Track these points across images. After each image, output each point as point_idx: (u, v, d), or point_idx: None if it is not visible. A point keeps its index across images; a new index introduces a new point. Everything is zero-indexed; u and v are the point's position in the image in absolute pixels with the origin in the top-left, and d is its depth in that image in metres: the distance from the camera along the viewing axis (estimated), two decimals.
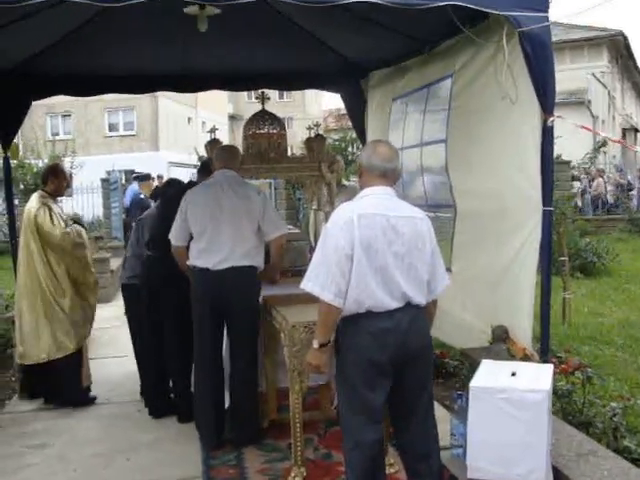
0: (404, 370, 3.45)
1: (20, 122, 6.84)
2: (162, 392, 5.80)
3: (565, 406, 4.47)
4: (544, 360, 4.17)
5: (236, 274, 4.89)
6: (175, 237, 5.11)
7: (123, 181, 21.61)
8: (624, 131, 40.37)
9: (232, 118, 45.98)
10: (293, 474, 4.39)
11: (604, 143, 21.78)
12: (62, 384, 6.08)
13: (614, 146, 30.94)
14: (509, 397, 3.19)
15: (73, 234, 5.92)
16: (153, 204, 6.69)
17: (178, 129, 35.44)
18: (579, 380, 4.55)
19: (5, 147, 6.83)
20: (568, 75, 26.78)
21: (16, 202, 21.25)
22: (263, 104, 6.35)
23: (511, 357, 4.39)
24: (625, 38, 35.95)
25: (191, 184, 5.70)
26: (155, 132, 34.63)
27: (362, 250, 3.30)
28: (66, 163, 19.40)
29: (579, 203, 20.47)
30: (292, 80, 7.51)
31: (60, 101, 31.31)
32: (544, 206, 4.17)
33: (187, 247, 5.07)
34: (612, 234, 18.12)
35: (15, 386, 6.53)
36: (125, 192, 15.82)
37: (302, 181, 6.44)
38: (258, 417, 5.14)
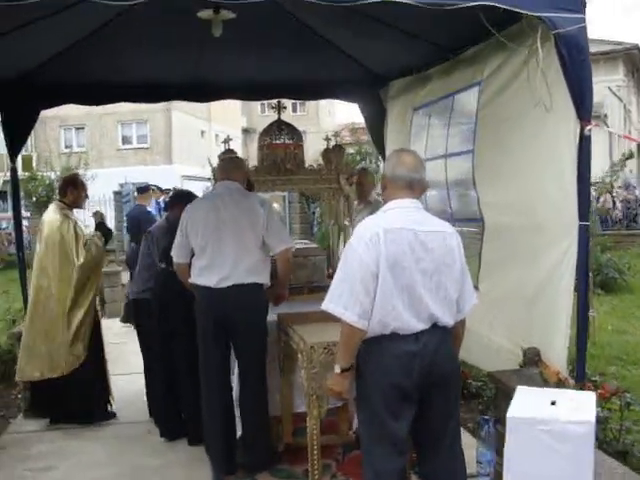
0: (430, 396, 3.24)
1: (28, 132, 6.67)
2: (172, 412, 5.57)
3: (600, 434, 4.19)
4: (580, 386, 3.89)
5: (240, 292, 4.63)
6: (176, 254, 4.89)
7: (136, 194, 21.47)
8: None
9: (245, 131, 45.96)
10: None
11: (630, 155, 21.42)
12: (77, 401, 5.88)
13: (631, 161, 30.60)
14: (550, 429, 2.91)
15: (91, 255, 5.80)
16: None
17: (191, 142, 35.36)
18: (616, 406, 4.27)
19: (13, 158, 6.63)
20: None
21: (28, 214, 21.36)
22: (279, 113, 6.14)
23: (544, 381, 4.11)
24: None
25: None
26: (168, 145, 34.61)
27: (388, 268, 3.10)
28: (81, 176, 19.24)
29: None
30: (309, 90, 7.27)
31: (74, 114, 31.91)
32: (580, 220, 3.89)
33: (190, 264, 4.84)
34: (632, 249, 17.80)
35: (21, 404, 6.30)
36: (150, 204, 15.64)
37: (319, 194, 6.20)
38: (270, 441, 4.89)
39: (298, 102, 47.16)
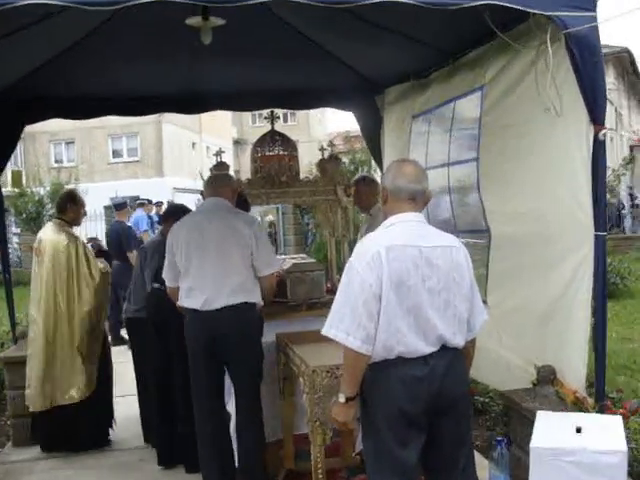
0: (440, 421, 3.03)
1: (13, 148, 6.45)
2: (168, 438, 5.30)
3: None
4: (600, 406, 3.67)
5: (230, 314, 4.38)
6: (167, 277, 4.65)
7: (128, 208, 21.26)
8: (632, 148, 39.97)
9: (237, 143, 45.73)
10: None
11: (631, 159, 21.23)
12: (84, 425, 5.66)
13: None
14: (579, 460, 2.69)
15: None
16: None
17: (183, 154, 35.14)
18: (636, 424, 4.03)
19: None
20: None
21: (18, 230, 21.10)
22: (272, 124, 5.92)
23: (560, 401, 3.89)
24: (630, 55, 35.68)
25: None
26: (159, 158, 34.38)
27: (392, 288, 2.88)
28: None
29: None
30: (302, 99, 7.02)
31: (63, 128, 31.71)
32: (596, 230, 3.67)
33: None
34: (629, 253, 17.61)
35: (10, 431, 6.07)
36: (129, 219, 15.44)
37: (316, 206, 5.97)
38: (263, 470, 4.62)
39: (289, 112, 47.08)
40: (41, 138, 34.10)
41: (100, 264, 5.73)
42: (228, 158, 5.84)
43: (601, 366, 3.76)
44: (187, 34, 4.84)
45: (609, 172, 18.96)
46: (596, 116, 3.63)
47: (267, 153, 5.80)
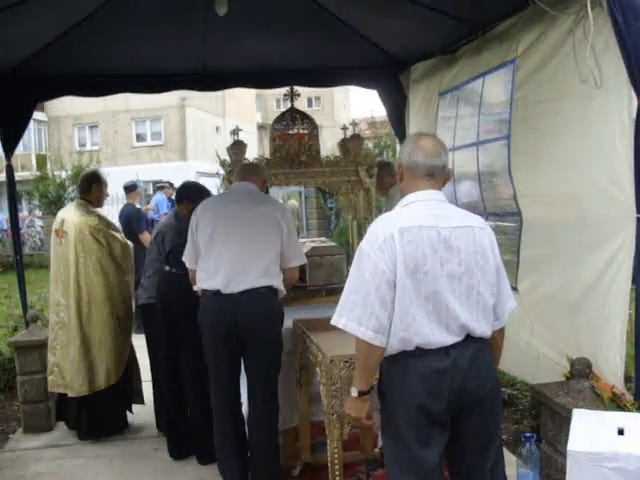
0: (465, 419, 2.79)
1: (24, 126, 6.25)
2: (181, 428, 5.12)
3: None
4: None
5: (253, 298, 4.15)
6: (188, 258, 4.42)
7: (151, 191, 21.14)
8: None
9: (261, 128, 45.49)
10: None
11: None
12: (111, 408, 5.62)
13: None
14: (622, 467, 2.41)
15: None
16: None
17: (206, 138, 35.00)
18: None
19: (9, 154, 6.20)
20: None
21: (40, 213, 21.09)
22: (292, 101, 5.66)
23: (595, 397, 3.61)
24: None
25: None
26: (183, 142, 34.33)
27: (407, 274, 2.66)
28: None
29: None
30: (323, 76, 6.75)
31: (87, 112, 31.81)
32: (638, 212, 3.36)
33: None
34: None
35: (21, 417, 5.93)
36: (147, 201, 15.33)
37: (337, 187, 5.71)
38: (278, 462, 4.42)
39: (313, 97, 46.78)
40: (65, 122, 34.38)
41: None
42: (252, 143, 5.61)
43: None
44: (202, 6, 4.68)
45: None
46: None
47: (286, 132, 5.54)
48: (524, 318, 4.27)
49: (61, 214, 5.70)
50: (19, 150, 33.18)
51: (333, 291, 5.26)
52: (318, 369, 3.88)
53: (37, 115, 33.59)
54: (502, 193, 4.76)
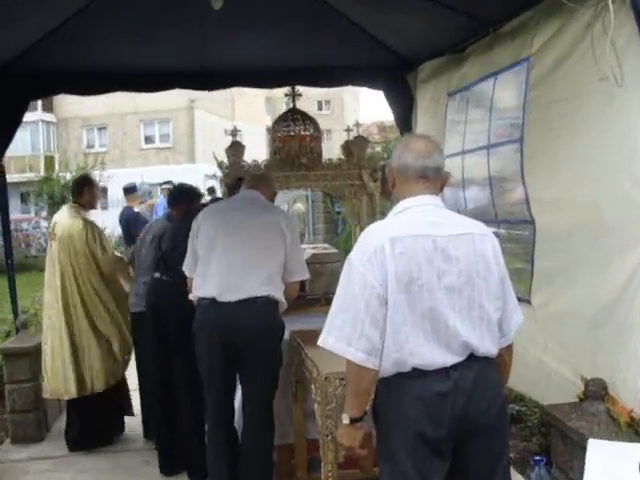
0: (468, 446, 2.51)
1: (16, 125, 5.98)
2: (171, 442, 4.86)
3: None
4: None
5: (250, 307, 3.88)
6: (188, 267, 4.16)
7: (159, 193, 20.99)
8: None
9: (270, 130, 45.37)
10: None
11: None
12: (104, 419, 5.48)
13: None
14: None
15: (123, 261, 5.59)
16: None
17: (215, 141, 34.79)
18: None
19: (0, 155, 5.98)
20: None
21: (45, 214, 20.96)
22: (294, 101, 5.45)
23: (611, 420, 3.34)
24: None
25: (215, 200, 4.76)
26: (191, 144, 34.17)
27: (400, 288, 2.41)
28: (95, 176, 18.94)
29: None
30: (327, 75, 6.45)
31: (96, 114, 31.68)
32: None
33: None
34: None
35: (9, 427, 5.71)
36: (150, 204, 15.15)
37: (340, 192, 5.47)
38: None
39: (323, 100, 46.58)
40: (74, 123, 34.37)
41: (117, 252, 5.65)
42: (261, 145, 5.39)
43: None
44: (198, 1, 4.50)
45: None
46: None
47: (287, 133, 5.30)
48: (536, 333, 4.00)
49: (55, 217, 5.70)
50: (27, 151, 33.33)
51: (332, 300, 5.01)
52: (312, 386, 3.64)
53: (46, 116, 33.60)
54: (514, 199, 4.49)
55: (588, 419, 3.39)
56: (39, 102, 32.41)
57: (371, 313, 2.40)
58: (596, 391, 3.44)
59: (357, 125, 5.68)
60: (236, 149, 5.33)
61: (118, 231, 16.17)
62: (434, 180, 2.62)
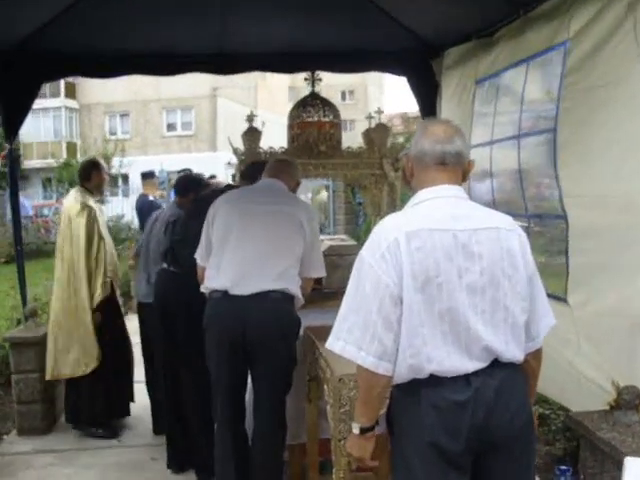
0: (489, 462, 2.30)
1: (28, 108, 5.81)
2: (179, 438, 4.70)
3: None
4: None
5: (264, 301, 3.67)
6: (200, 255, 3.96)
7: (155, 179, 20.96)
8: None
9: None
10: None
11: None
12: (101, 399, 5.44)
13: None
14: None
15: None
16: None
17: (237, 129, 34.54)
18: None
19: (11, 137, 5.83)
20: None
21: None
22: (313, 86, 5.26)
23: None
24: None
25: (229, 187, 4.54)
26: (213, 132, 34.06)
27: (416, 287, 2.21)
28: (115, 162, 18.89)
29: None
30: (348, 60, 6.17)
31: (118, 100, 31.68)
32: None
33: None
34: None
35: (15, 418, 5.58)
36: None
37: (360, 181, 5.25)
38: None
39: (347, 90, 46.30)
40: (96, 110, 34.46)
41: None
42: (284, 134, 5.21)
43: None
44: None
45: None
46: None
47: (305, 119, 5.10)
48: (570, 334, 3.74)
49: (64, 201, 5.73)
50: (50, 137, 33.40)
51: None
52: (325, 387, 3.43)
53: (68, 102, 33.69)
54: (546, 192, 4.21)
55: (621, 430, 3.15)
56: (62, 88, 32.54)
57: (384, 314, 2.21)
58: (629, 400, 3.21)
59: (379, 112, 5.44)
60: (252, 135, 5.15)
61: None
62: (455, 167, 2.39)
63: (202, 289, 3.90)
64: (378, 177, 5.17)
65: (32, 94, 5.82)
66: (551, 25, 4.02)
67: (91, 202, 5.38)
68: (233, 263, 3.73)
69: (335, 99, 6.32)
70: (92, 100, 33.37)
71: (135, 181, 18.87)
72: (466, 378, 2.23)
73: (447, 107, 5.76)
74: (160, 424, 5.20)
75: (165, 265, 4.52)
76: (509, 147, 4.55)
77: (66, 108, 33.87)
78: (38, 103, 5.88)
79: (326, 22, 5.41)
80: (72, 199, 5.41)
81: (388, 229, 2.29)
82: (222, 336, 3.73)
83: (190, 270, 4.06)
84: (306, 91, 5.51)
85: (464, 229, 2.26)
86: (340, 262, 4.96)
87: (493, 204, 4.56)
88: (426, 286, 2.19)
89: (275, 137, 5.95)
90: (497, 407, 2.23)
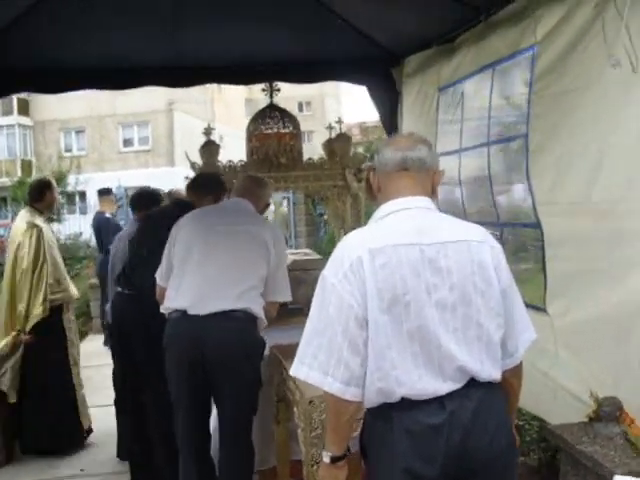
0: None
1: None
2: (144, 466, 4.46)
3: None
4: None
5: (224, 321, 3.53)
6: (160, 275, 3.81)
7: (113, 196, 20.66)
8: None
9: None
10: None
11: None
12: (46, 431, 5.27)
13: None
14: None
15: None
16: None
17: (194, 143, 34.29)
18: None
19: None
20: None
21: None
22: (272, 97, 5.09)
23: (629, 445, 3.01)
24: None
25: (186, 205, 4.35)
26: (171, 147, 33.81)
27: (382, 308, 2.10)
28: (71, 180, 18.60)
29: None
30: (307, 70, 6.00)
31: (73, 116, 31.22)
32: None
33: None
34: None
35: None
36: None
37: (322, 193, 5.13)
38: None
39: (304, 102, 46.26)
40: (51, 126, 33.92)
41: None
42: (242, 148, 5.06)
43: None
44: None
45: None
46: None
47: (264, 131, 4.96)
48: (548, 344, 3.62)
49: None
50: (4, 155, 32.74)
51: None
52: (295, 409, 3.28)
53: (22, 120, 33.12)
54: (517, 200, 4.11)
55: (603, 443, 3.03)
56: (14, 105, 31.97)
57: (350, 337, 2.09)
58: (611, 412, 3.10)
59: (339, 122, 5.33)
60: (210, 148, 5.00)
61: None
62: (419, 175, 2.28)
63: (162, 310, 3.75)
64: (340, 188, 5.08)
65: None
66: (516, 29, 3.91)
67: (39, 221, 5.24)
68: (193, 283, 3.60)
69: (292, 111, 6.25)
70: (46, 117, 32.89)
71: (92, 198, 18.58)
72: (440, 401, 2.11)
73: (409, 116, 5.66)
74: (125, 449, 4.98)
75: (119, 288, 4.34)
76: (478, 155, 4.43)
77: (19, 125, 33.31)
78: None
79: (283, 31, 5.27)
80: (19, 219, 5.35)
81: (351, 246, 2.17)
82: (181, 356, 3.59)
83: (144, 291, 3.94)
84: (264, 103, 5.38)
85: (431, 243, 2.14)
86: (304, 277, 4.85)
87: (463, 214, 4.44)
88: (393, 306, 2.08)
89: (233, 150, 5.81)
90: (474, 429, 2.11)
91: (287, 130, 4.99)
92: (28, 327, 5.08)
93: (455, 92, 4.83)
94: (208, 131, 5.06)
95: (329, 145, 5.10)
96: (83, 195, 25.25)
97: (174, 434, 3.84)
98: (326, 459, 2.25)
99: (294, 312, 4.74)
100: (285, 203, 15.72)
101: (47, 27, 4.80)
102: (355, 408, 2.17)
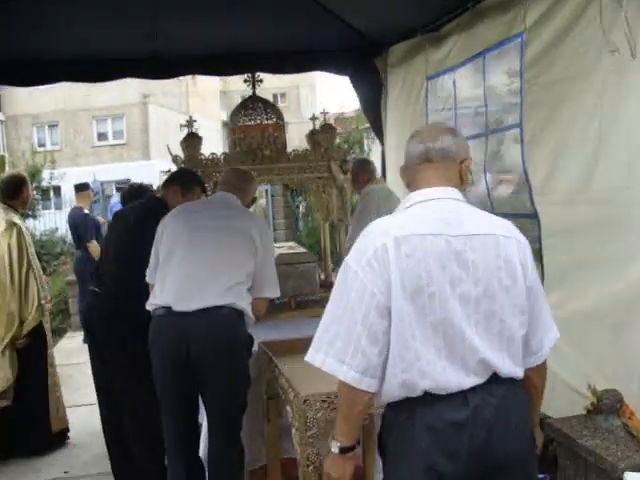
0: None
1: None
2: (126, 468, 4.35)
3: None
4: None
5: (210, 318, 3.43)
6: (150, 272, 3.73)
7: (113, 191, 20.36)
8: None
9: (226, 125, 44.65)
10: None
11: None
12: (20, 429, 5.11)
13: None
14: None
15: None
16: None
17: (170, 137, 34.09)
18: None
19: None
20: None
21: None
22: (254, 87, 5.01)
23: (630, 438, 2.96)
24: None
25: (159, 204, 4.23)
26: (146, 140, 33.49)
27: (406, 297, 2.03)
28: (46, 175, 18.34)
29: None
30: (288, 61, 6.01)
31: (46, 111, 30.80)
32: None
33: None
34: None
35: None
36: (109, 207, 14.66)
37: (307, 185, 5.04)
38: None
39: (279, 93, 46.05)
40: (23, 121, 33.38)
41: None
42: (217, 140, 4.97)
43: None
44: None
45: None
46: None
47: (247, 122, 4.86)
48: None
49: None
50: None
51: (303, 303, 4.74)
52: (289, 408, 3.19)
53: None
54: (514, 190, 4.06)
55: (604, 436, 2.99)
56: None
57: (369, 326, 2.03)
58: (610, 404, 3.06)
59: (324, 113, 5.25)
60: (192, 141, 4.90)
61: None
62: (444, 165, 2.23)
63: (147, 306, 3.66)
64: (326, 180, 4.98)
65: None
66: (505, 17, 3.86)
67: (16, 219, 5.09)
68: (177, 279, 3.51)
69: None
70: (18, 111, 32.42)
71: (68, 193, 18.32)
72: (464, 395, 2.06)
73: (395, 106, 5.59)
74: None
75: (92, 286, 4.25)
76: (476, 145, 4.34)
77: None
78: None
79: (264, 21, 5.20)
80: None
81: (375, 234, 2.10)
82: (166, 353, 3.50)
83: (109, 289, 3.93)
84: (239, 95, 5.29)
85: (458, 234, 2.09)
86: (291, 271, 4.76)
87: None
88: (417, 296, 2.02)
89: (208, 143, 5.68)
90: (497, 426, 2.06)
91: (270, 121, 4.88)
92: (23, 333, 4.97)
93: (445, 81, 4.76)
94: (190, 123, 4.94)
95: (313, 137, 5.01)
96: (58, 190, 24.97)
97: (152, 434, 3.80)
98: (335, 449, 2.19)
99: (281, 307, 4.69)
100: (264, 195, 15.62)
101: (19, 19, 4.67)
102: (369, 399, 2.11)
